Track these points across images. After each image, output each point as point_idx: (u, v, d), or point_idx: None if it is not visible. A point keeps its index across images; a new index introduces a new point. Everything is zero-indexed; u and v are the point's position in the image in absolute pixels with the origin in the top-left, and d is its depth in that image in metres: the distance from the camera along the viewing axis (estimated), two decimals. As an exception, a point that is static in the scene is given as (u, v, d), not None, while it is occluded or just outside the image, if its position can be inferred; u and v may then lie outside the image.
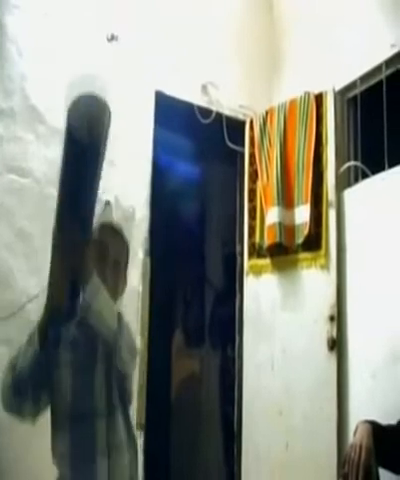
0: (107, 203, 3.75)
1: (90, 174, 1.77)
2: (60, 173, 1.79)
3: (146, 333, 3.74)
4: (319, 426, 3.63)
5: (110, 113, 1.79)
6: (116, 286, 2.02)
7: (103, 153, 1.78)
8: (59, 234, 1.81)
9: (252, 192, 4.33)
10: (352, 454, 2.61)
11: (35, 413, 1.90)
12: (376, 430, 2.68)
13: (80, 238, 1.76)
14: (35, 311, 3.41)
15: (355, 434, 2.71)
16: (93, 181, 1.79)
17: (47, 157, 3.61)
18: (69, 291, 1.80)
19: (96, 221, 2.00)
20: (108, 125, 1.77)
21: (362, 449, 2.59)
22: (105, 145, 1.78)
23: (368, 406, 3.31)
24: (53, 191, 3.57)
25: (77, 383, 1.87)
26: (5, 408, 1.87)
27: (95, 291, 1.76)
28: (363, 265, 3.66)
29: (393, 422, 2.80)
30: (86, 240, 1.79)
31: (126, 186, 3.89)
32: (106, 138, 1.77)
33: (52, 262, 1.89)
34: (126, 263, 2.10)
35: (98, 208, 3.66)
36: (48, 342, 1.81)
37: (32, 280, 3.50)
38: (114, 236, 2.06)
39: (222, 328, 5.03)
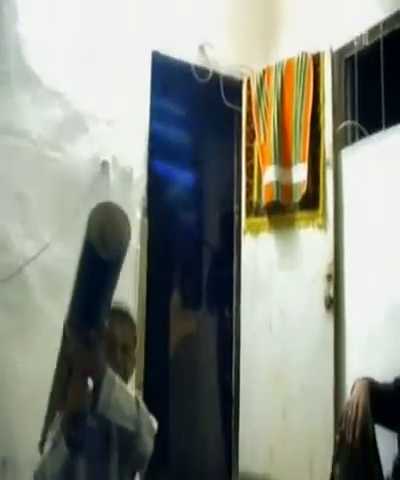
0: (104, 163, 3.74)
1: (107, 287, 1.76)
2: (75, 278, 1.79)
3: (144, 293, 3.75)
4: (316, 388, 3.67)
5: (130, 225, 1.71)
6: (126, 370, 2.02)
7: (121, 265, 1.72)
8: (71, 336, 1.80)
9: (249, 151, 4.31)
10: (349, 412, 2.64)
11: None
12: (373, 387, 2.70)
13: (92, 339, 1.75)
14: (32, 274, 3.46)
15: (352, 391, 2.74)
16: (109, 292, 1.77)
17: (43, 119, 3.59)
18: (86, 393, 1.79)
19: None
20: (128, 238, 1.69)
21: (359, 407, 2.62)
22: (124, 257, 1.71)
23: (365, 365, 3.32)
24: (49, 153, 3.59)
25: (92, 472, 1.88)
26: None
27: (111, 386, 1.75)
28: (360, 224, 3.66)
29: (390, 380, 2.82)
30: (98, 341, 1.77)
31: (123, 146, 3.87)
32: (125, 251, 1.69)
33: (59, 365, 1.92)
34: (134, 346, 2.08)
35: (96, 169, 3.71)
36: (75, 444, 1.77)
37: (29, 243, 3.50)
38: (123, 321, 2.04)
39: (219, 289, 5.03)
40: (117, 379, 1.78)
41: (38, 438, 2.01)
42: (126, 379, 1.98)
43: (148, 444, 1.82)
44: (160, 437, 1.91)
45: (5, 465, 3.23)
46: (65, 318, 1.79)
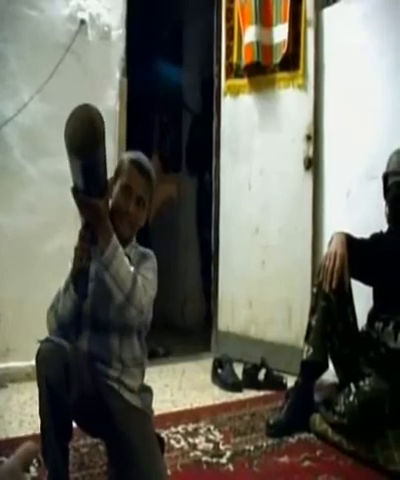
0: (82, 22, 3.66)
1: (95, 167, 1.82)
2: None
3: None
4: (294, 243, 3.81)
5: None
6: (137, 221, 2.08)
7: (103, 152, 1.79)
8: (77, 198, 1.84)
9: (230, 11, 4.21)
10: (327, 262, 2.75)
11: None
12: (350, 241, 2.79)
13: (97, 202, 1.84)
14: (10, 135, 3.48)
15: (330, 244, 2.83)
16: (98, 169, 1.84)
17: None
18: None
19: (125, 157, 2.11)
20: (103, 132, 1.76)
21: (336, 256, 2.72)
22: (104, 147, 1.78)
23: (342, 222, 3.43)
24: (26, 11, 3.50)
25: (98, 299, 1.99)
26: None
27: (113, 253, 1.85)
28: (340, 85, 3.68)
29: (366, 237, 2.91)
30: (103, 201, 1.87)
31: (101, 4, 3.78)
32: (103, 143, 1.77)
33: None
34: (150, 199, 2.11)
35: (74, 28, 3.62)
36: (80, 289, 1.94)
37: (9, 104, 3.50)
38: (141, 174, 2.06)
39: (199, 152, 5.07)
40: (121, 250, 1.89)
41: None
42: (133, 228, 2.09)
43: (135, 318, 1.94)
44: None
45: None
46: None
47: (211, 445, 2.57)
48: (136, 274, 1.93)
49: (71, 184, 1.84)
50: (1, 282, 3.40)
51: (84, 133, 1.72)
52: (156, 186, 2.13)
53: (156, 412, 2.23)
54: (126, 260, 1.91)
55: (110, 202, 1.99)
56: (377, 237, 2.86)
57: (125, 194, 2.03)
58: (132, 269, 1.93)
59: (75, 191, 1.82)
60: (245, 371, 3.57)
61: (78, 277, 1.92)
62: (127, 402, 1.99)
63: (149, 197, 2.10)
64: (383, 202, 2.83)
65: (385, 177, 2.82)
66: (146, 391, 2.12)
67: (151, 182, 2.10)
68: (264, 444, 2.61)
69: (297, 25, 3.79)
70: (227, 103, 4.25)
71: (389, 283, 2.73)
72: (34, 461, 2.18)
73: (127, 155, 2.15)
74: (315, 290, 2.83)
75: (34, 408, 2.90)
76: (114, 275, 1.85)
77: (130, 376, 2.03)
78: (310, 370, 2.83)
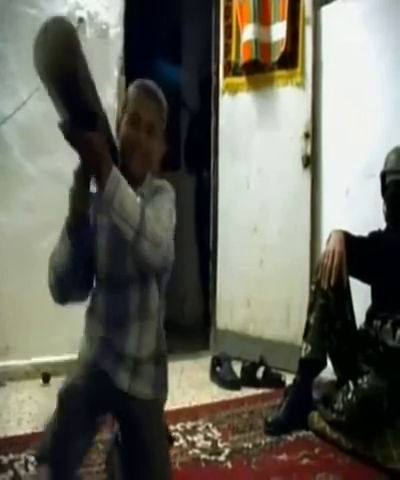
0: (80, 20, 3.66)
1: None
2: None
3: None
4: (293, 241, 3.81)
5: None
6: (150, 151, 1.82)
7: (85, 72, 1.54)
8: (64, 133, 1.57)
9: (228, 9, 4.21)
10: (325, 259, 2.75)
11: (84, 297, 1.92)
12: (348, 238, 2.80)
13: (89, 135, 1.56)
14: (9, 133, 3.48)
15: (328, 242, 2.84)
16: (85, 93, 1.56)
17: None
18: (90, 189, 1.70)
19: (133, 85, 1.87)
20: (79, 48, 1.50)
21: (335, 254, 2.73)
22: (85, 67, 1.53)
23: (341, 221, 3.43)
24: (25, 9, 3.49)
25: (113, 253, 1.85)
26: (55, 301, 1.86)
27: (115, 187, 1.59)
28: (339, 83, 3.68)
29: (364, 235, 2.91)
30: (96, 134, 1.58)
31: (99, 2, 3.79)
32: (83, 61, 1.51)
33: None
34: (162, 127, 1.86)
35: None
36: (79, 236, 1.74)
37: (8, 102, 3.50)
38: (148, 97, 1.83)
39: (198, 150, 5.07)
40: (123, 182, 1.62)
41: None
42: (149, 162, 1.85)
43: (151, 255, 1.67)
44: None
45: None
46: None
47: (209, 443, 2.58)
48: (144, 205, 1.68)
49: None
50: (0, 280, 3.40)
51: (55, 50, 1.47)
52: (166, 112, 1.88)
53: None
54: (131, 191, 1.64)
55: (118, 137, 1.80)
56: (375, 235, 2.87)
57: (134, 123, 1.79)
58: (139, 200, 1.68)
59: (63, 125, 1.56)
60: (243, 369, 3.58)
61: (74, 224, 1.72)
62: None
63: (162, 125, 1.86)
64: (381, 200, 2.83)
65: (383, 176, 2.83)
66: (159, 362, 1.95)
67: (162, 107, 1.87)
68: (262, 442, 2.61)
69: (295, 23, 3.79)
70: (225, 101, 4.25)
71: (387, 281, 2.73)
72: (33, 460, 2.18)
73: (134, 83, 1.89)
74: (313, 288, 2.84)
75: (33, 407, 2.91)
76: (119, 211, 1.60)
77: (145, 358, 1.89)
78: (308, 368, 2.83)
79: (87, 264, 1.85)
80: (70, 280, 1.81)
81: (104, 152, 1.60)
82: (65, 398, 1.72)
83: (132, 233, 1.62)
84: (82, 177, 1.67)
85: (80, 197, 1.69)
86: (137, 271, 1.84)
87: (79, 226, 1.73)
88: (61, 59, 1.46)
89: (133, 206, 1.62)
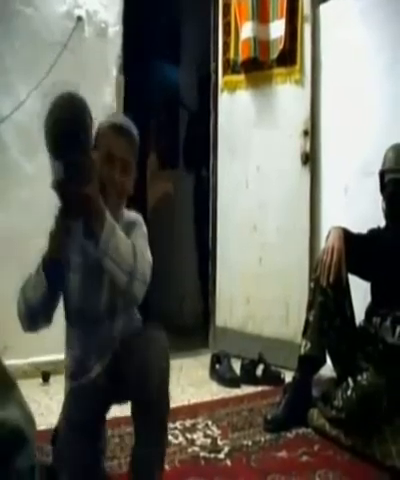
0: (79, 19, 3.66)
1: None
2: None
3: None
4: (292, 239, 3.81)
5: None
6: (123, 188, 1.92)
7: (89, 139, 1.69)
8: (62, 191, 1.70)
9: (226, 7, 4.21)
10: (324, 256, 2.75)
11: (50, 322, 1.97)
12: (347, 235, 2.79)
13: (88, 190, 1.67)
14: (7, 132, 3.47)
15: (327, 239, 2.84)
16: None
17: None
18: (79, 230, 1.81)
19: (103, 122, 1.95)
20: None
21: (334, 250, 2.72)
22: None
23: (340, 219, 3.38)
24: (21, 8, 3.49)
25: (86, 289, 1.94)
26: (24, 329, 1.99)
27: (110, 233, 1.69)
28: (337, 80, 3.68)
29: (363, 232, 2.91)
30: (91, 186, 1.68)
31: (98, 1, 3.78)
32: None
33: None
34: (134, 161, 1.94)
35: (70, 25, 3.61)
36: (54, 271, 1.83)
37: (6, 101, 3.49)
38: (119, 134, 1.90)
39: (196, 149, 5.06)
40: (117, 227, 1.73)
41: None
42: (121, 195, 1.94)
43: (140, 291, 1.78)
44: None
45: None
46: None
47: (209, 441, 2.58)
48: (134, 245, 1.77)
49: None
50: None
51: (67, 130, 1.62)
52: (138, 147, 1.95)
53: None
54: (123, 235, 1.75)
55: None
56: (374, 232, 2.87)
57: (108, 163, 1.87)
58: (130, 242, 1.77)
59: (58, 185, 1.67)
60: (243, 367, 3.58)
61: (50, 265, 1.81)
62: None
63: (134, 159, 1.94)
64: (380, 198, 2.83)
65: (381, 174, 2.83)
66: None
67: (134, 142, 1.93)
68: (262, 439, 2.61)
69: (294, 21, 3.79)
70: (224, 99, 4.25)
71: (387, 278, 2.73)
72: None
73: (105, 120, 1.98)
74: (312, 285, 2.83)
75: (31, 405, 2.90)
76: (114, 256, 1.69)
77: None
78: (308, 365, 2.83)
79: (57, 296, 1.95)
80: (41, 312, 1.90)
81: (100, 204, 1.69)
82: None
83: (125, 276, 1.72)
84: (65, 224, 1.77)
85: (60, 240, 1.80)
86: (110, 306, 1.95)
87: (55, 262, 1.82)
88: (71, 142, 1.63)
89: (127, 250, 1.73)
